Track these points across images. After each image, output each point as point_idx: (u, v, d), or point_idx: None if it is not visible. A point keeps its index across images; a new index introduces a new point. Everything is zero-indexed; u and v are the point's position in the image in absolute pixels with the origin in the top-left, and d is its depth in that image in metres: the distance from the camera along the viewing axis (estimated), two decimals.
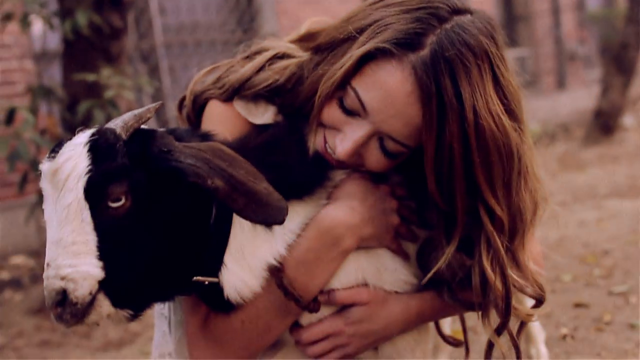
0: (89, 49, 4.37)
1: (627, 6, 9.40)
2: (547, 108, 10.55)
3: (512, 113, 1.49)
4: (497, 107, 1.45)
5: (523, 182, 1.53)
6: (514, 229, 1.54)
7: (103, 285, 1.34)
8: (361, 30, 1.51)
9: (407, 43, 1.45)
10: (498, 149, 1.46)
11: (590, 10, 13.79)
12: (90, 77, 4.08)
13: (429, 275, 1.55)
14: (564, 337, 3.04)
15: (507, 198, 1.50)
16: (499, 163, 1.47)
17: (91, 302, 1.34)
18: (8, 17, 4.24)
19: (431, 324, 1.74)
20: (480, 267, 1.52)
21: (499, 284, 1.51)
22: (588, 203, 5.77)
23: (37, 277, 5.08)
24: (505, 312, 1.54)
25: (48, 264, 1.33)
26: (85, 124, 3.90)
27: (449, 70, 1.42)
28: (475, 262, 1.53)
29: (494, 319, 1.58)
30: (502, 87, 1.48)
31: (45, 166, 1.37)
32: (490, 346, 1.65)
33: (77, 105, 4.19)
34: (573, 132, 10.29)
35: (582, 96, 11.56)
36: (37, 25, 4.71)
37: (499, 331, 1.59)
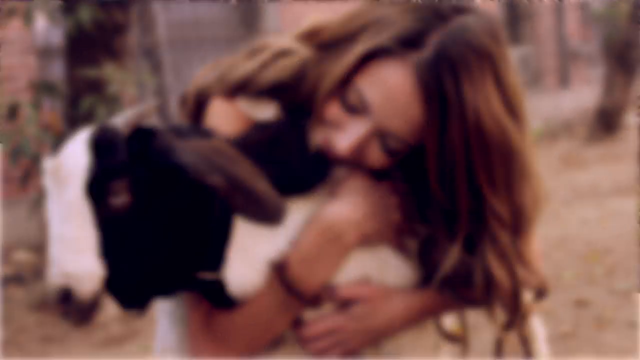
0: (92, 44, 4.38)
1: (630, 5, 9.38)
2: (549, 106, 10.54)
3: (513, 113, 1.49)
4: (499, 107, 1.46)
5: (524, 181, 1.53)
6: (517, 227, 1.55)
7: (107, 283, 1.35)
8: (364, 28, 1.52)
9: (409, 42, 1.46)
10: (499, 149, 1.47)
11: (593, 9, 13.78)
12: (93, 72, 4.09)
13: (438, 278, 1.55)
14: (565, 334, 3.05)
15: (509, 197, 1.51)
16: (501, 163, 1.48)
17: (96, 299, 1.34)
18: (11, 12, 4.24)
19: (432, 321, 1.75)
20: (484, 264, 1.52)
21: (506, 282, 1.52)
22: (590, 201, 5.78)
23: (39, 272, 5.09)
24: (514, 308, 1.55)
25: (50, 260, 1.34)
26: (88, 119, 3.93)
27: (451, 71, 1.43)
28: (478, 260, 1.53)
29: (500, 315, 1.59)
30: (504, 87, 1.48)
31: (47, 163, 1.38)
32: (499, 343, 1.66)
33: (79, 101, 4.20)
34: (576, 130, 10.29)
35: (585, 95, 11.54)
36: (40, 21, 4.71)
37: (507, 328, 1.59)
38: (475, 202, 1.50)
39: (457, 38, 1.44)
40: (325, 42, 1.61)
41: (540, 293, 1.63)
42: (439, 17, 1.47)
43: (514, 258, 1.53)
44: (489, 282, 1.53)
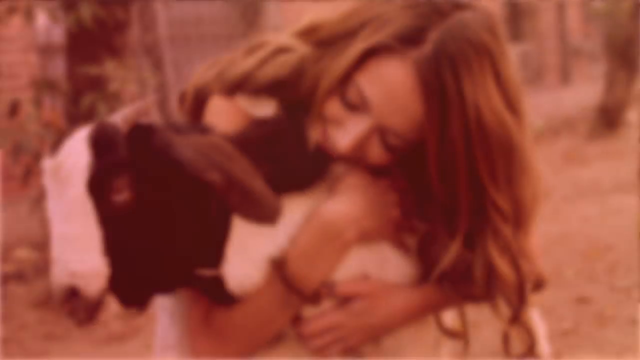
0: (93, 42, 4.38)
1: (631, 1, 9.36)
2: (551, 103, 10.53)
3: (513, 108, 1.50)
4: (499, 103, 1.46)
5: (524, 175, 1.54)
6: (518, 221, 1.55)
7: (110, 282, 1.35)
8: (363, 25, 1.52)
9: (409, 38, 1.46)
10: (500, 144, 1.47)
11: (595, 6, 13.76)
12: (94, 70, 4.08)
13: (436, 272, 1.55)
14: (566, 332, 3.05)
15: (509, 192, 1.52)
16: (501, 158, 1.48)
17: (101, 298, 1.34)
18: (12, 9, 4.24)
19: (432, 317, 1.75)
20: (485, 259, 1.53)
21: (511, 275, 1.53)
22: (592, 198, 5.77)
23: (40, 270, 5.10)
24: (520, 301, 1.56)
25: (54, 260, 1.33)
26: (89, 117, 3.93)
27: (451, 67, 1.43)
28: (478, 255, 1.53)
29: (504, 308, 1.59)
30: (504, 82, 1.48)
31: (46, 163, 1.37)
32: (506, 337, 1.67)
33: (80, 98, 4.19)
34: (577, 127, 10.28)
35: (586, 91, 11.53)
36: (41, 18, 4.71)
37: (512, 321, 1.60)
38: (476, 197, 1.50)
39: (456, 34, 1.44)
40: (324, 40, 1.61)
41: (538, 286, 1.65)
42: (438, 13, 1.47)
43: (517, 251, 1.54)
44: (490, 276, 1.53)
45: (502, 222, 1.51)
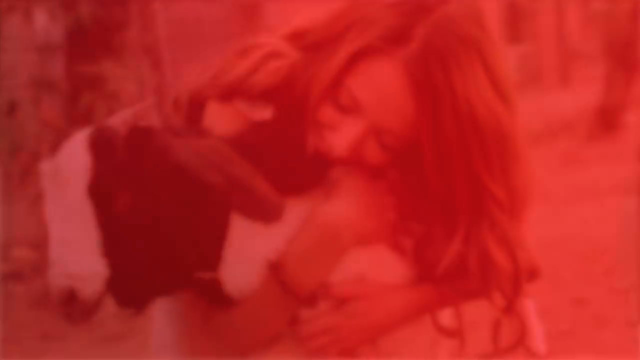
0: (92, 41, 4.39)
1: (631, 2, 9.37)
2: (550, 105, 10.54)
3: (504, 97, 1.50)
4: (490, 94, 1.47)
5: (517, 163, 1.55)
6: (513, 210, 1.56)
7: (109, 284, 1.35)
8: (348, 28, 1.51)
9: (395, 38, 1.46)
10: (493, 134, 1.48)
11: (594, 7, 13.77)
12: (93, 69, 4.09)
13: (440, 269, 1.56)
14: (564, 333, 3.05)
15: (505, 180, 1.52)
16: (495, 148, 1.49)
17: (99, 300, 1.35)
18: (11, 8, 4.24)
19: (428, 317, 1.75)
20: (480, 250, 1.53)
21: (508, 265, 1.53)
22: (590, 200, 5.78)
23: (38, 269, 5.10)
24: (515, 291, 1.57)
25: (52, 262, 1.34)
26: (87, 116, 3.92)
27: (440, 63, 1.43)
28: (473, 246, 1.54)
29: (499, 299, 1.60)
30: (493, 72, 1.49)
31: (45, 165, 1.38)
32: (497, 325, 1.68)
33: (79, 97, 4.20)
34: (576, 128, 10.29)
35: (585, 93, 11.54)
36: (40, 17, 4.71)
37: (507, 311, 1.61)
38: (473, 189, 1.50)
39: (442, 29, 1.44)
40: (312, 45, 1.61)
41: (533, 276, 1.65)
42: (422, 9, 1.46)
43: (513, 241, 1.54)
44: (486, 268, 1.54)
45: (499, 211, 1.52)
